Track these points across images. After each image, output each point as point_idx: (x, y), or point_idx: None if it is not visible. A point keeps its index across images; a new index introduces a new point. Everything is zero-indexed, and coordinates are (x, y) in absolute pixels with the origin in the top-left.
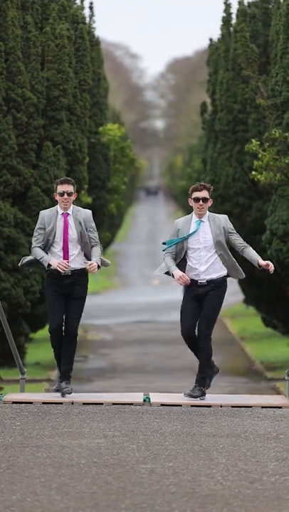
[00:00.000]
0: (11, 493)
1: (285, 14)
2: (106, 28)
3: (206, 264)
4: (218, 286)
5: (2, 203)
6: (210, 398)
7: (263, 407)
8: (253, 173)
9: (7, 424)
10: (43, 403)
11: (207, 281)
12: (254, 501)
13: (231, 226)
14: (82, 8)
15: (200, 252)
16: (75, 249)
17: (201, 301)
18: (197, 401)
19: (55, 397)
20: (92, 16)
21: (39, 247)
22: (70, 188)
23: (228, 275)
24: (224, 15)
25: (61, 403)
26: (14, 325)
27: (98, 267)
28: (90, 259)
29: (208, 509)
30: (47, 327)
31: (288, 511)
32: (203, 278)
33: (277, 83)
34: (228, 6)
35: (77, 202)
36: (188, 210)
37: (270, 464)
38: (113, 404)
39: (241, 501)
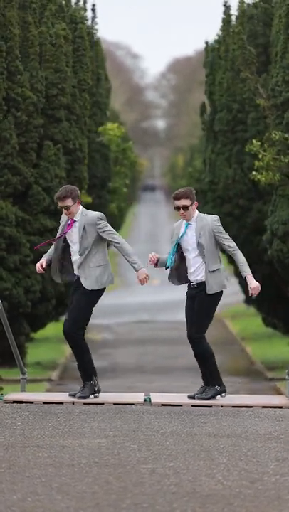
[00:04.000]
0: (11, 492)
1: (285, 15)
2: (107, 28)
3: (194, 267)
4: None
5: (3, 202)
6: None
7: (263, 407)
8: (254, 173)
9: (8, 424)
10: (44, 403)
11: (197, 283)
12: (255, 501)
13: (219, 227)
14: (85, 9)
15: (189, 253)
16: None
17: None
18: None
19: (56, 396)
20: (94, 17)
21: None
22: (66, 203)
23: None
24: (224, 16)
25: (62, 403)
26: (15, 324)
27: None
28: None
29: (209, 509)
30: (47, 327)
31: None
32: (193, 280)
33: (277, 83)
34: (227, 7)
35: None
36: None
37: (270, 464)
38: (114, 404)
39: (242, 501)
